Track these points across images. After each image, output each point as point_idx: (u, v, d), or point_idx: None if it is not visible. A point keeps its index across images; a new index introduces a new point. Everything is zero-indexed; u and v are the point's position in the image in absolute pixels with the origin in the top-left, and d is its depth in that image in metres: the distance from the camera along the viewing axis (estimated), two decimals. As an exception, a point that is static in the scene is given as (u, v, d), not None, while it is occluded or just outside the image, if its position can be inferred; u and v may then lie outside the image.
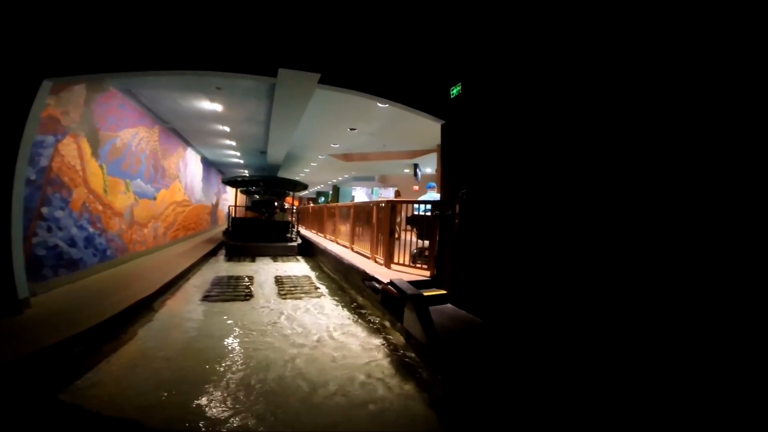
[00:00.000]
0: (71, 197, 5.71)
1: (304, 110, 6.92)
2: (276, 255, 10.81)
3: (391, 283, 4.67)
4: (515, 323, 3.79)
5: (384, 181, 19.08)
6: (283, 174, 19.78)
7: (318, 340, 4.38)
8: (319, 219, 13.05)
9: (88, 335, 3.80)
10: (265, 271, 8.72)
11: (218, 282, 7.39)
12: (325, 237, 11.47)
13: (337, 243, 9.68)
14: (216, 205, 20.41)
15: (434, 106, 5.40)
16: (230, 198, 23.11)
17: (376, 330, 4.79)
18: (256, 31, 4.55)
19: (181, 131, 10.88)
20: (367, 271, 5.62)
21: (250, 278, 7.79)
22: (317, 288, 7.00)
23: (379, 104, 7.20)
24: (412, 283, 4.91)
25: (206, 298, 6.18)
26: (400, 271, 5.71)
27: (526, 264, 3.70)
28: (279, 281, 7.61)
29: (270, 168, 15.84)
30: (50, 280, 5.15)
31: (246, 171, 19.90)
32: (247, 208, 15.07)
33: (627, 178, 2.69)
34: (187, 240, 12.87)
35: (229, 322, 4.96)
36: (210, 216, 18.24)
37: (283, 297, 6.34)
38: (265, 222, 11.47)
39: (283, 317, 5.21)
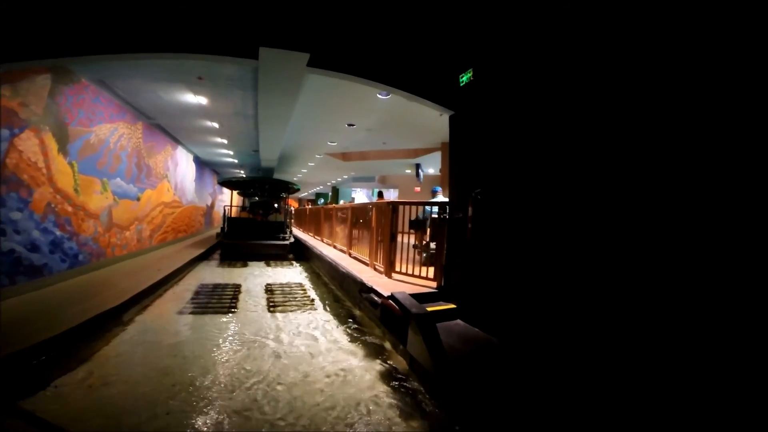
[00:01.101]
0: (32, 197, 5.07)
1: (295, 101, 6.27)
2: (269, 254, 10.67)
3: (392, 297, 4.02)
4: (537, 344, 3.15)
5: (384, 182, 18.41)
6: (280, 174, 19.20)
7: (308, 365, 3.73)
8: (316, 221, 12.42)
9: (32, 353, 3.19)
10: (255, 278, 8.07)
11: (202, 290, 6.75)
12: (322, 240, 10.83)
13: (335, 247, 9.03)
14: (211, 207, 19.78)
15: (441, 94, 4.77)
16: (227, 199, 22.64)
17: (375, 352, 4.14)
18: (231, 3, 3.90)
19: (167, 128, 10.25)
20: (365, 281, 4.97)
21: (238, 287, 7.14)
22: (311, 300, 6.34)
23: (379, 95, 6.56)
24: (416, 296, 4.26)
25: (185, 310, 5.54)
26: (401, 281, 5.06)
27: (552, 275, 3.06)
28: (269, 290, 6.96)
29: (265, 168, 15.24)
30: (4, 289, 4.51)
31: (242, 171, 19.29)
32: (243, 209, 15.00)
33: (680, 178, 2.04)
34: (178, 243, 12.23)
35: (205, 341, 4.30)
36: (204, 217, 17.61)
37: (272, 310, 5.68)
38: (259, 222, 11.54)
39: (269, 336, 4.56)
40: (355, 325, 4.98)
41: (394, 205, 5.27)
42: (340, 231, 8.82)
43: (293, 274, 8.78)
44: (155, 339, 4.33)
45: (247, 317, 5.29)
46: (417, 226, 4.98)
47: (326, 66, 4.44)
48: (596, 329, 2.65)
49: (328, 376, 3.49)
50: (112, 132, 7.35)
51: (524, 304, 3.37)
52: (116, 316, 4.72)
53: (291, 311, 5.66)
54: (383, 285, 4.79)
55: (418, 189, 15.80)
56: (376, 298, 4.44)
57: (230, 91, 6.74)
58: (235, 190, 14.77)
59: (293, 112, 7.15)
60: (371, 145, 11.30)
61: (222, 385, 3.24)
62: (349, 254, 7.58)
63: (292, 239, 11.55)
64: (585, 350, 2.72)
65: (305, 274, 8.74)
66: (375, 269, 5.88)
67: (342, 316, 5.43)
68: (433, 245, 5.17)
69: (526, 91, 3.49)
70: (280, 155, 12.73)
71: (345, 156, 13.05)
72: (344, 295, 6.23)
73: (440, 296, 4.63)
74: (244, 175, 20.12)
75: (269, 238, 10.90)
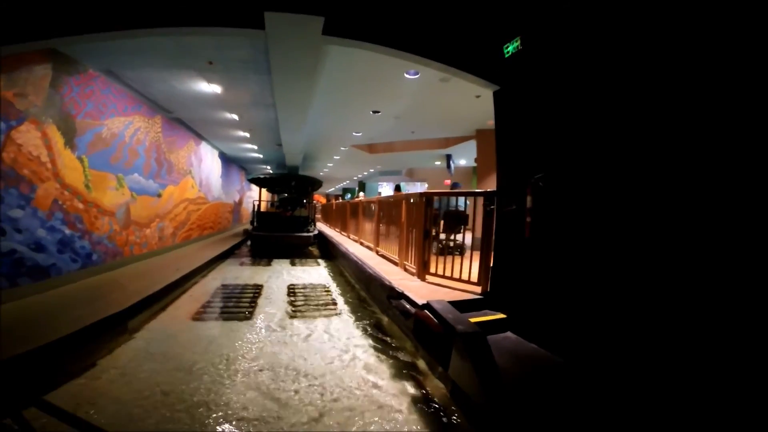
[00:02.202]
0: (35, 194, 4.70)
1: (313, 80, 5.61)
2: (293, 244, 11.22)
3: (429, 307, 3.31)
4: (620, 367, 2.35)
5: (412, 176, 17.57)
6: (305, 170, 18.86)
7: (324, 389, 3.08)
8: (341, 217, 11.85)
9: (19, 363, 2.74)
10: (278, 278, 7.55)
11: (221, 292, 6.29)
12: (348, 236, 10.24)
13: (361, 244, 8.39)
14: (239, 203, 19.69)
15: (482, 67, 3.98)
16: (255, 195, 22.58)
17: (406, 373, 3.44)
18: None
19: (188, 122, 9.92)
20: (394, 285, 4.28)
21: (259, 288, 6.63)
22: (334, 303, 5.72)
23: (407, 74, 5.80)
24: (456, 304, 3.53)
25: (199, 315, 5.06)
26: (437, 285, 4.33)
27: (641, 282, 2.26)
28: (292, 292, 6.41)
29: (290, 165, 14.84)
30: (4, 291, 4.15)
31: (268, 167, 19.05)
32: (271, 204, 15.51)
33: None
34: (203, 240, 12.00)
35: (215, 353, 3.75)
36: (232, 214, 17.47)
37: (293, 315, 5.11)
38: (286, 217, 12.19)
39: (286, 348, 3.97)
40: (383, 336, 4.30)
41: (427, 197, 4.54)
42: (367, 227, 8.17)
43: (318, 274, 8.21)
44: (160, 351, 3.83)
45: (265, 325, 4.73)
46: (455, 220, 4.21)
47: (345, 33, 3.76)
48: (704, 352, 1.84)
49: (347, 404, 2.83)
50: (127, 125, 6.99)
51: (604, 316, 2.58)
52: (119, 324, 4.26)
53: (313, 318, 5.05)
54: (415, 290, 4.08)
55: (447, 182, 14.92)
56: (407, 306, 3.74)
57: (245, 76, 6.19)
58: (263, 187, 15.22)
59: (312, 96, 6.52)
60: (399, 135, 10.52)
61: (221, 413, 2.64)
62: (377, 252, 6.91)
63: (315, 231, 12.38)
64: (688, 377, 1.92)
65: (330, 274, 8.15)
66: (405, 270, 5.18)
67: (369, 324, 4.76)
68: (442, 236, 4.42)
69: (604, 55, 2.67)
70: (303, 149, 12.24)
71: (371, 148, 12.37)
72: (371, 299, 5.56)
73: (486, 304, 3.88)
74: (270, 172, 20.12)
75: (294, 231, 11.42)
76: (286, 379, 3.27)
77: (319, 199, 35.32)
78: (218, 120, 9.51)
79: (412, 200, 5.00)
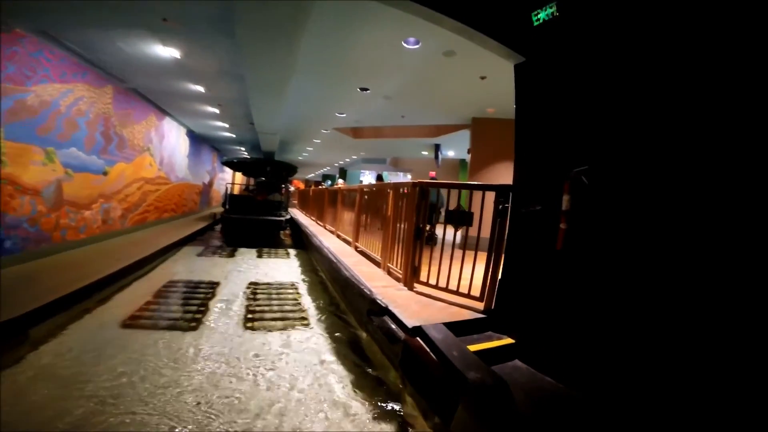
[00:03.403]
0: None
1: (292, 45, 4.59)
2: (264, 228, 10.96)
3: (422, 334, 2.49)
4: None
5: (397, 165, 16.62)
6: (283, 153, 17.71)
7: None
8: (318, 204, 10.88)
9: None
10: (240, 273, 6.56)
11: (167, 291, 5.29)
12: (324, 227, 9.30)
13: (339, 237, 7.49)
14: (209, 185, 18.35)
15: (504, 33, 3.13)
16: (228, 177, 21.28)
17: (389, 416, 2.61)
18: None
19: (147, 94, 8.74)
20: (376, 295, 3.43)
21: (214, 286, 5.64)
22: (303, 310, 4.82)
23: (406, 45, 4.85)
24: (452, 325, 2.75)
25: (133, 320, 4.10)
26: (428, 296, 3.52)
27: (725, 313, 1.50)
28: (253, 292, 5.46)
29: (266, 148, 13.71)
30: None
31: (243, 148, 17.78)
32: (246, 188, 15.03)
33: None
34: (162, 224, 10.81)
35: (133, 384, 2.82)
36: (200, 196, 16.17)
37: (250, 327, 4.19)
38: (259, 200, 11.88)
39: (231, 381, 3.06)
40: (360, 361, 3.45)
41: (422, 188, 3.68)
42: (346, 218, 7.28)
43: (287, 269, 7.24)
44: (68, 371, 2.88)
45: (212, 338, 3.81)
46: (460, 220, 3.37)
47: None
48: None
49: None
50: (64, 94, 5.82)
51: (656, 354, 1.81)
52: (16, 333, 3.26)
53: (274, 330, 4.15)
54: (403, 303, 3.25)
55: (433, 173, 14.13)
56: (393, 327, 2.90)
57: (209, 39, 5.13)
58: (237, 170, 14.79)
59: (291, 68, 5.49)
60: (387, 119, 9.53)
61: None
62: (355, 247, 6.05)
63: (288, 216, 12.49)
64: None
65: (301, 270, 7.21)
66: (389, 273, 4.34)
67: (343, 341, 3.90)
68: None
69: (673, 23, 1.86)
70: (280, 131, 11.13)
71: (355, 132, 11.38)
72: (347, 307, 4.69)
73: (489, 324, 3.09)
74: (247, 156, 19.13)
75: (266, 215, 11.22)
76: (235, 408, 2.39)
77: (297, 184, 34.03)
78: (182, 92, 8.37)
79: (402, 190, 4.14)
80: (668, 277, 1.97)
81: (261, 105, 7.86)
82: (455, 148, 12.04)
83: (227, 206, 11.49)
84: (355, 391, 2.92)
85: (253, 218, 10.89)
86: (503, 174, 7.48)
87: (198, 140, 14.80)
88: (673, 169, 1.97)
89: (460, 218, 3.33)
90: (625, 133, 2.23)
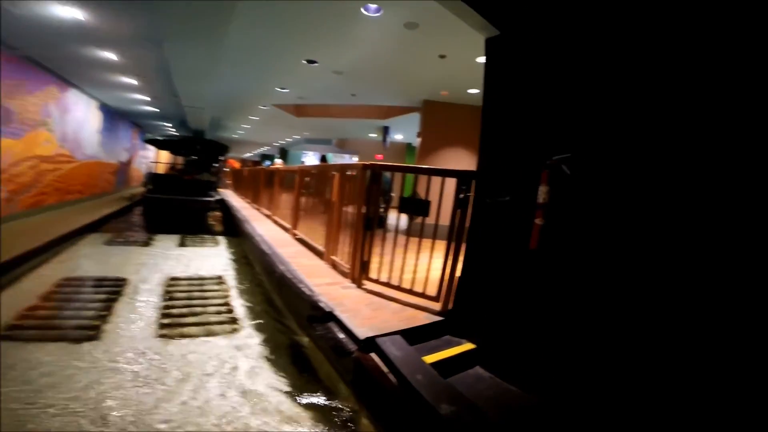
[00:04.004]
0: None
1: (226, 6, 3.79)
2: (192, 209, 10.44)
3: (377, 349, 2.04)
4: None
5: (343, 147, 15.85)
6: (215, 131, 16.22)
7: None
8: (254, 186, 9.96)
9: None
10: (156, 267, 5.62)
11: (59, 291, 4.33)
12: (259, 210, 8.47)
13: (275, 223, 6.78)
14: (128, 163, 16.28)
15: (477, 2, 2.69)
16: (152, 156, 19.26)
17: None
18: None
19: (45, 62, 7.36)
20: (319, 295, 2.91)
21: (122, 283, 4.74)
22: (231, 311, 4.16)
23: (366, 11, 4.20)
24: (408, 333, 2.35)
25: (15, 328, 3.26)
26: (380, 295, 3.09)
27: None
28: (172, 289, 4.66)
29: (195, 125, 12.33)
30: None
31: (169, 124, 15.91)
32: (172, 168, 14.28)
33: None
34: (66, 207, 9.22)
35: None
36: (115, 175, 14.24)
37: (165, 334, 3.48)
38: (187, 180, 11.32)
39: (144, 401, 2.40)
40: (303, 374, 2.93)
41: (374, 171, 3.18)
42: (284, 201, 6.59)
43: (214, 260, 6.40)
44: None
45: (113, 351, 3.06)
46: (417, 207, 2.93)
47: None
48: None
49: None
50: None
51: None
52: None
53: (198, 336, 3.49)
54: (352, 306, 2.78)
55: (380, 156, 13.71)
56: (341, 338, 2.43)
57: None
58: (163, 149, 14.21)
59: (224, 34, 4.63)
60: (335, 97, 8.74)
61: None
62: (294, 235, 5.44)
63: (218, 197, 11.96)
64: None
65: (232, 261, 6.43)
66: (334, 267, 3.84)
67: (281, 348, 3.35)
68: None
69: None
70: (211, 103, 9.91)
71: (299, 110, 10.47)
72: (284, 306, 4.11)
73: (446, 327, 2.74)
74: (175, 133, 17.41)
75: (194, 195, 10.67)
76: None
77: (233, 164, 31.86)
78: (89, 61, 7.07)
79: (349, 173, 3.62)
80: (657, 280, 1.71)
81: (185, 74, 6.80)
82: (404, 132, 11.65)
83: (149, 186, 10.89)
84: (297, 412, 2.42)
85: (179, 198, 10.27)
86: (453, 160, 7.24)
87: (114, 115, 12.97)
88: (668, 165, 1.68)
89: (416, 207, 2.90)
90: (616, 118, 1.91)
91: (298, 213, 5.49)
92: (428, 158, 7.46)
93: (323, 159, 12.50)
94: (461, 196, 2.63)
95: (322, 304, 2.73)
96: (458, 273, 2.76)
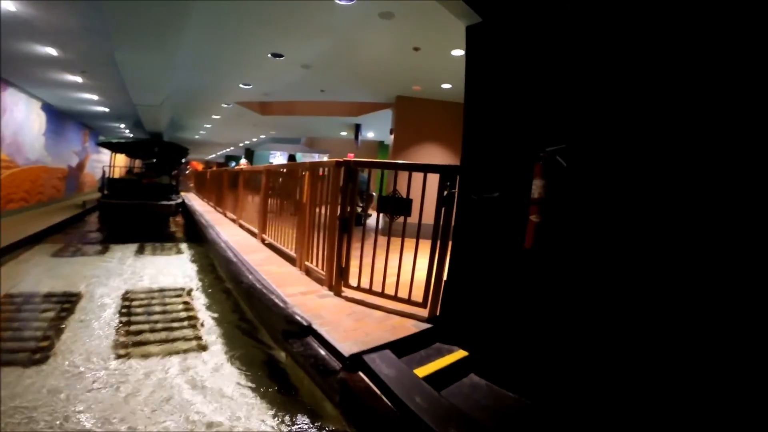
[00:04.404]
0: None
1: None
2: (152, 214, 9.98)
3: (366, 367, 1.83)
4: None
5: (313, 146, 15.40)
6: (174, 132, 15.41)
7: None
8: (217, 188, 9.45)
9: None
10: (111, 279, 5.13)
11: (1, 309, 3.82)
12: (224, 214, 8.01)
13: (241, 227, 6.40)
14: (79, 168, 15.16)
15: None
16: (107, 159, 18.09)
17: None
18: None
19: None
20: (293, 307, 2.65)
21: (73, 298, 4.27)
22: (197, 326, 3.80)
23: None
24: (395, 345, 2.15)
25: None
26: (361, 303, 2.87)
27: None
28: (128, 306, 4.22)
29: (151, 128, 11.61)
30: None
31: (122, 125, 14.92)
32: (129, 171, 13.47)
33: None
34: (7, 217, 8.37)
35: None
36: (64, 181, 13.20)
37: (124, 354, 3.11)
38: (145, 184, 10.93)
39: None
40: (281, 393, 2.66)
41: (348, 167, 2.94)
42: (251, 204, 6.22)
43: (177, 269, 5.93)
44: None
45: (61, 377, 2.68)
46: (397, 209, 2.71)
47: None
48: None
49: None
50: None
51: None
52: None
53: (160, 355, 3.13)
54: (332, 317, 2.55)
55: (351, 155, 13.42)
56: (322, 354, 2.19)
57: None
58: (119, 152, 13.15)
59: (178, 18, 4.23)
60: (303, 93, 8.34)
61: None
62: (262, 240, 5.11)
63: (179, 200, 11.75)
64: None
65: (196, 270, 5.99)
66: (308, 273, 3.58)
67: (255, 365, 3.05)
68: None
69: None
70: (168, 102, 9.28)
71: (264, 108, 10.02)
72: (256, 317, 3.79)
73: (435, 334, 2.56)
74: (130, 135, 16.67)
75: (154, 199, 10.20)
76: None
77: (196, 166, 30.57)
78: (26, 57, 6.43)
79: (322, 171, 3.36)
80: (664, 280, 1.58)
81: (135, 71, 6.25)
82: (375, 129, 11.43)
83: (105, 191, 10.31)
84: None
85: (137, 203, 9.75)
86: (428, 156, 7.11)
87: (59, 116, 11.99)
88: (674, 153, 1.56)
89: (397, 206, 2.69)
90: (614, 104, 1.78)
91: (266, 216, 5.15)
92: (402, 155, 7.28)
93: (292, 158, 12.08)
94: (445, 193, 2.45)
95: (298, 317, 2.48)
96: (444, 276, 2.58)
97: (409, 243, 2.74)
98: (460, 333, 2.48)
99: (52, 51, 6.16)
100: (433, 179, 2.53)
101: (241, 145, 19.87)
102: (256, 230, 5.43)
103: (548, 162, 1.93)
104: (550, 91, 2.02)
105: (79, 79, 8.03)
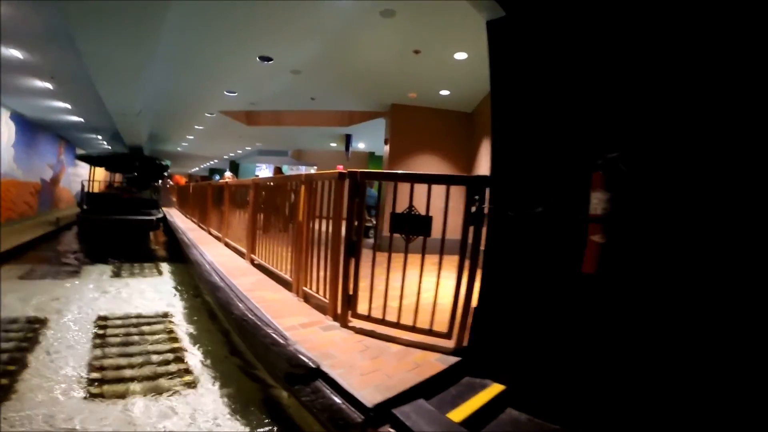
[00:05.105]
0: None
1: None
2: (132, 228, 9.88)
3: (396, 422, 1.48)
4: None
5: (300, 158, 14.93)
6: (155, 144, 14.88)
7: None
8: (200, 203, 8.95)
9: None
10: (83, 303, 4.65)
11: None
12: (209, 232, 7.52)
13: (227, 245, 5.95)
14: (53, 182, 14.41)
15: None
16: (84, 173, 17.40)
17: None
18: None
19: None
20: (296, 347, 2.25)
21: (38, 325, 3.79)
22: (183, 359, 3.35)
23: None
24: (426, 387, 1.82)
25: None
26: (372, 335, 2.50)
27: None
28: (102, 335, 3.75)
29: (127, 133, 11.10)
30: None
31: (99, 137, 14.28)
32: (110, 185, 13.84)
33: None
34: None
35: None
36: (36, 196, 12.45)
37: (96, 393, 2.68)
38: (126, 198, 11.08)
39: None
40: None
41: (355, 179, 2.59)
42: (237, 221, 5.79)
43: (156, 293, 5.41)
44: None
45: (25, 419, 2.23)
46: (416, 228, 2.36)
47: None
48: None
49: None
50: None
51: None
52: None
53: (136, 395, 2.69)
54: (343, 355, 2.17)
55: (341, 167, 13.07)
56: (338, 403, 1.81)
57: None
58: (98, 166, 13.15)
59: (156, 18, 3.87)
60: (292, 101, 7.92)
61: None
62: (251, 261, 4.67)
63: (160, 215, 11.46)
64: None
65: (178, 293, 5.50)
66: (306, 300, 3.18)
67: (253, 407, 2.63)
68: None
69: None
70: (146, 110, 8.80)
71: (250, 118, 9.63)
72: (248, 349, 3.36)
73: (465, 368, 2.22)
74: (107, 147, 16.34)
75: (134, 213, 10.26)
76: None
77: (179, 180, 29.73)
78: None
79: (322, 183, 3.00)
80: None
81: (107, 75, 5.79)
82: (366, 140, 11.15)
83: (84, 206, 10.42)
84: None
85: (118, 218, 9.72)
86: (425, 167, 6.82)
87: (31, 126, 11.35)
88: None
89: (415, 225, 2.35)
90: (691, 98, 1.50)
91: (255, 235, 4.71)
92: (398, 166, 6.97)
93: (278, 171, 11.71)
94: (473, 209, 2.13)
95: (303, 358, 2.09)
96: (469, 302, 2.25)
97: (418, 262, 2.40)
98: (495, 365, 2.15)
99: (17, 54, 5.69)
100: (440, 191, 2.21)
101: (225, 157, 19.32)
102: (243, 249, 4.99)
103: (610, 171, 1.63)
104: (607, 85, 1.73)
105: (49, 86, 7.52)
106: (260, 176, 17.14)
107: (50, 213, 13.63)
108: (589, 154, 1.69)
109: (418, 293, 2.36)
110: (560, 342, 1.87)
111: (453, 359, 2.20)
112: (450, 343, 2.31)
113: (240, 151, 16.49)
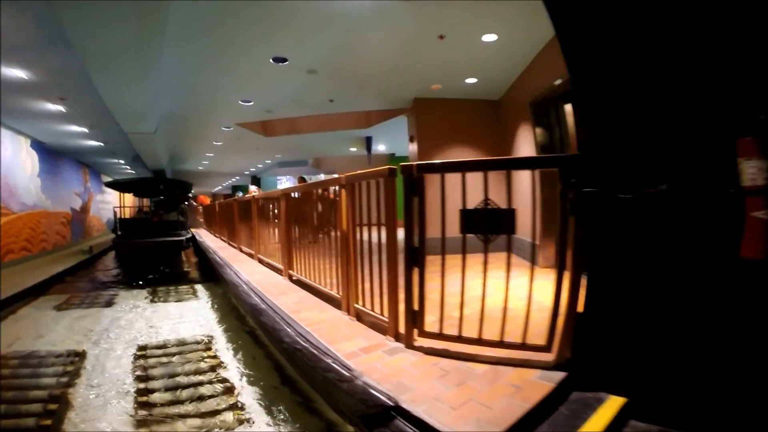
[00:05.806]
0: None
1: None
2: (163, 250, 10.48)
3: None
4: None
5: (320, 166, 14.69)
6: (177, 164, 15.02)
7: None
8: (228, 220, 8.81)
9: None
10: (121, 331, 4.48)
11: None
12: (240, 249, 7.32)
13: (260, 261, 5.71)
14: (83, 211, 14.68)
15: None
16: (113, 200, 17.90)
17: None
18: None
19: None
20: (363, 380, 1.92)
21: (77, 359, 3.62)
22: (230, 390, 3.06)
23: None
24: (539, 412, 1.45)
25: None
26: (443, 352, 2.14)
27: None
28: (142, 365, 3.52)
29: (148, 156, 11.19)
30: None
31: (121, 161, 14.47)
32: (139, 210, 14.07)
33: None
34: (6, 268, 7.76)
35: None
36: (68, 226, 12.66)
37: (142, 424, 2.43)
38: (155, 222, 11.52)
39: None
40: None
41: (410, 174, 2.24)
42: (269, 236, 5.54)
43: (194, 315, 5.19)
44: None
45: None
46: (495, 224, 2.00)
47: None
48: None
49: None
50: None
51: None
52: None
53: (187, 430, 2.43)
54: (420, 387, 1.83)
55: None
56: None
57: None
58: (125, 192, 14.30)
59: (159, 22, 3.66)
60: (311, 106, 7.56)
61: None
62: (289, 277, 4.38)
63: (189, 235, 12.34)
64: None
65: (217, 314, 5.27)
66: (358, 318, 2.85)
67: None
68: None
69: None
70: (161, 128, 8.71)
71: (267, 128, 9.42)
72: (300, 375, 3.04)
73: (572, 383, 1.84)
74: (132, 173, 16.57)
75: (164, 235, 10.91)
76: None
77: (203, 200, 30.21)
78: None
79: (367, 184, 2.67)
80: None
81: (115, 90, 5.60)
82: (386, 141, 10.82)
83: (118, 231, 11.12)
84: None
85: (150, 241, 10.44)
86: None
87: (52, 154, 11.48)
88: None
89: (494, 222, 1.98)
90: None
91: (291, 248, 4.41)
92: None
93: (302, 181, 11.57)
94: (571, 195, 1.75)
95: (375, 394, 1.75)
96: (573, 308, 1.86)
97: (479, 264, 2.03)
98: (611, 376, 1.78)
99: (20, 74, 5.56)
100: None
101: (246, 173, 19.39)
102: (279, 266, 4.72)
103: (763, 133, 1.24)
104: (755, 21, 1.33)
105: (61, 108, 7.45)
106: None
107: (83, 242, 13.88)
108: (730, 116, 1.30)
109: (506, 301, 1.99)
110: (703, 341, 1.48)
111: (558, 375, 1.84)
112: (550, 357, 1.93)
113: (260, 165, 16.44)
